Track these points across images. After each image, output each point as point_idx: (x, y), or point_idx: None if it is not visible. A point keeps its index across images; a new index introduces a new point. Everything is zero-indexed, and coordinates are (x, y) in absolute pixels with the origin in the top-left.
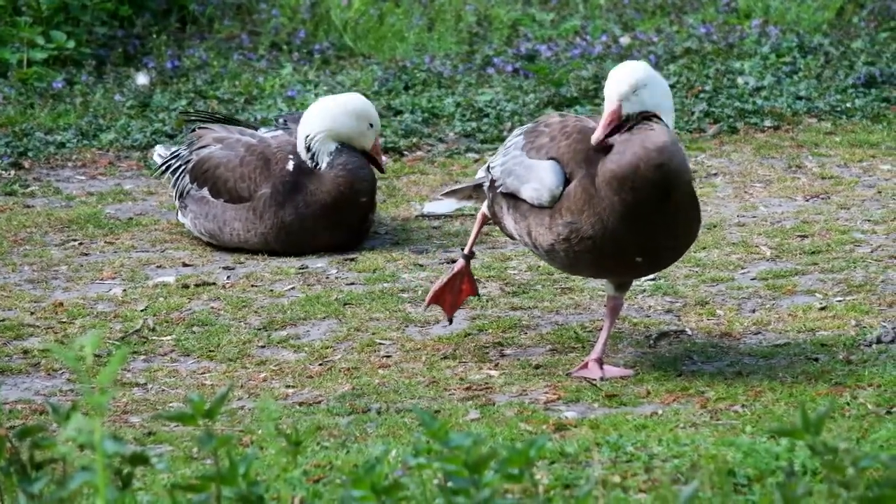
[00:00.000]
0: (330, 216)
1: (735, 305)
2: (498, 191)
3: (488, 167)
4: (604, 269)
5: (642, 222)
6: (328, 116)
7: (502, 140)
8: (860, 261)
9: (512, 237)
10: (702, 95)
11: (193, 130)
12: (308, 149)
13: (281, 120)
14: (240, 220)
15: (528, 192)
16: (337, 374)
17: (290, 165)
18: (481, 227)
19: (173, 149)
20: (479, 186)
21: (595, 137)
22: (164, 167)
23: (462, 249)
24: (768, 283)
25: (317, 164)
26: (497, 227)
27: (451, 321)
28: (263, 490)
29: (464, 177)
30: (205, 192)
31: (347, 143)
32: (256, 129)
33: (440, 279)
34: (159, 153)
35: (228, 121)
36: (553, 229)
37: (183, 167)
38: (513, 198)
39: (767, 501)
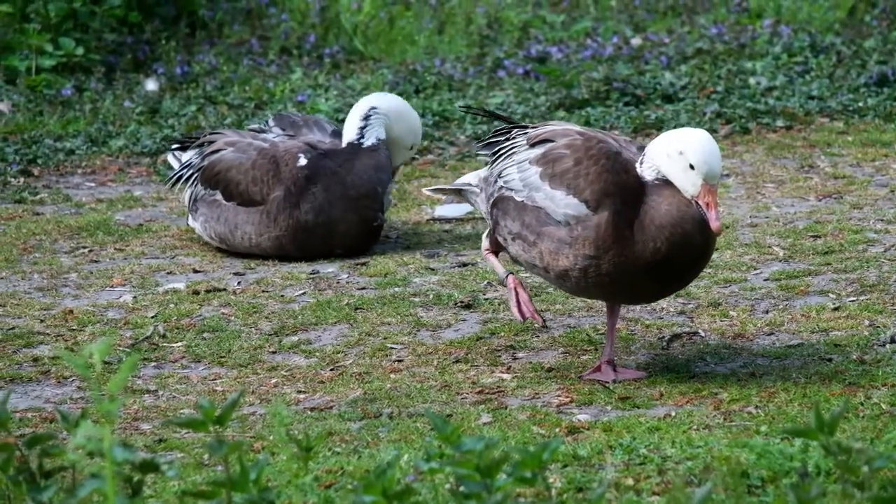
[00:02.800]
0: (350, 198)
1: (748, 306)
2: (516, 200)
3: (492, 177)
4: (614, 299)
5: (669, 273)
6: (404, 109)
7: None
8: (873, 260)
9: (507, 248)
10: (714, 96)
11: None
12: (366, 117)
13: (268, 122)
14: (252, 224)
15: (564, 212)
16: (348, 379)
17: (302, 161)
18: (496, 256)
19: (188, 154)
20: (462, 191)
21: (718, 228)
22: (176, 178)
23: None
24: (781, 283)
25: (360, 137)
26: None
27: (544, 325)
28: (275, 496)
29: None
30: (217, 195)
31: (391, 140)
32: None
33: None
34: (174, 154)
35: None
36: (570, 258)
37: (196, 174)
38: (531, 215)
39: (782, 503)
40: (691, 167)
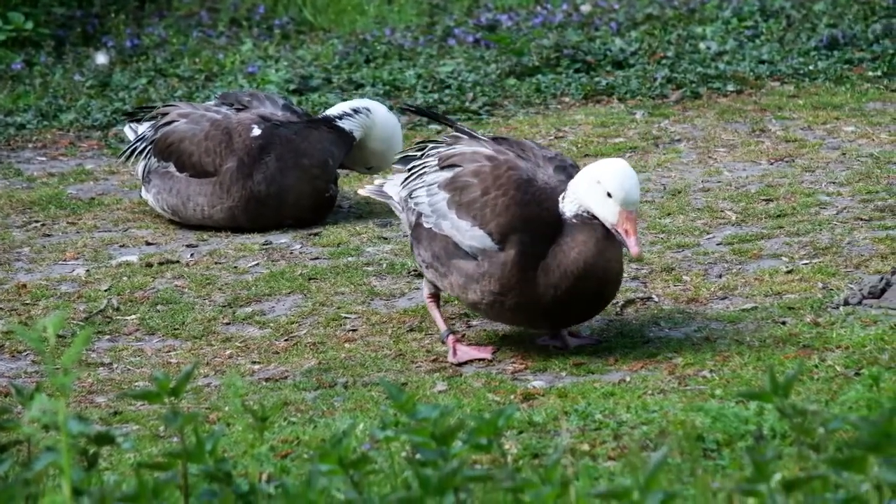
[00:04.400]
0: (302, 167)
1: (701, 271)
2: (424, 226)
3: (408, 194)
4: (523, 326)
5: (568, 314)
6: (392, 133)
7: (465, 110)
8: (826, 223)
9: (425, 273)
10: (664, 61)
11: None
12: (356, 111)
13: (213, 101)
14: (204, 195)
15: (469, 243)
16: (303, 350)
17: (256, 131)
18: (438, 308)
19: (142, 127)
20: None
21: (637, 252)
22: (130, 151)
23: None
24: (734, 247)
25: (339, 118)
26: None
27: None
28: (231, 467)
29: None
30: (170, 166)
31: (362, 147)
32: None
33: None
34: (131, 126)
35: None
36: (478, 293)
37: (149, 146)
38: (440, 244)
39: (737, 466)
40: (609, 195)
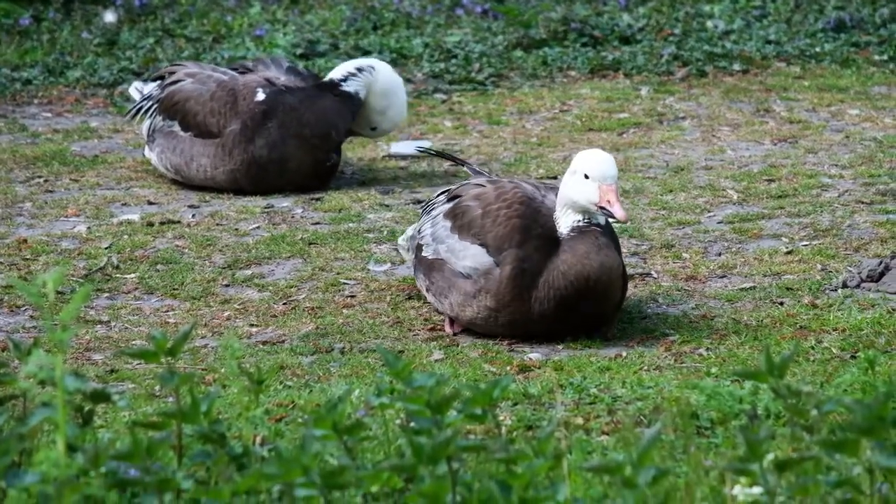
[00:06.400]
0: (303, 137)
1: (701, 249)
2: (423, 255)
3: (417, 230)
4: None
5: (563, 326)
6: (396, 90)
7: (470, 81)
8: (827, 205)
9: (426, 296)
10: (671, 38)
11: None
12: (360, 69)
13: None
14: (207, 156)
15: (463, 264)
16: (301, 314)
17: (260, 95)
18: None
19: (149, 86)
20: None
21: (624, 216)
22: (137, 110)
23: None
24: (735, 226)
25: (343, 80)
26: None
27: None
28: (225, 428)
29: (431, 118)
30: (175, 125)
31: (365, 105)
32: None
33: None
34: (136, 87)
35: None
36: (474, 308)
37: (155, 105)
38: (439, 267)
39: (730, 444)
40: (586, 177)
